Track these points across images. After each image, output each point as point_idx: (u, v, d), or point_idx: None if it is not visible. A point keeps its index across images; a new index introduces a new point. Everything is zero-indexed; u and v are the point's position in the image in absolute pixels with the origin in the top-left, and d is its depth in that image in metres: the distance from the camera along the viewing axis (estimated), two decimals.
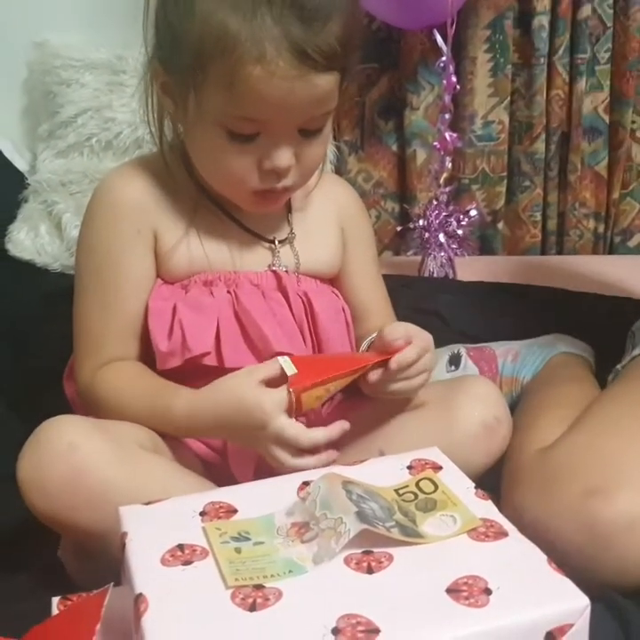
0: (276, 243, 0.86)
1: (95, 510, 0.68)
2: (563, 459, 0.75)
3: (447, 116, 1.38)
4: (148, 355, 0.82)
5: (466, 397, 0.80)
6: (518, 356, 1.07)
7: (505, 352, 1.08)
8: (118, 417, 0.78)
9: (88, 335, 0.83)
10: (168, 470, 0.75)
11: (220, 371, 0.76)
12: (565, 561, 0.56)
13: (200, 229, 0.83)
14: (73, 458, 0.68)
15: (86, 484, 0.68)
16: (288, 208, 0.89)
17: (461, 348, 1.11)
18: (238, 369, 0.75)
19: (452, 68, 1.37)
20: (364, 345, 0.85)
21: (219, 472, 0.81)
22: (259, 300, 0.82)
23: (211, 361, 0.79)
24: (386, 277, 1.44)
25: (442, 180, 1.41)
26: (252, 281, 0.84)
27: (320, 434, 0.72)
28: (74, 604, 0.63)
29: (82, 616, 0.57)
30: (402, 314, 1.30)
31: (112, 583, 0.58)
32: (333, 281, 0.92)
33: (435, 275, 1.43)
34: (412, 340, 0.77)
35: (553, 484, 0.72)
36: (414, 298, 1.32)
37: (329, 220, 0.91)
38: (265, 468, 0.80)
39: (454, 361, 1.10)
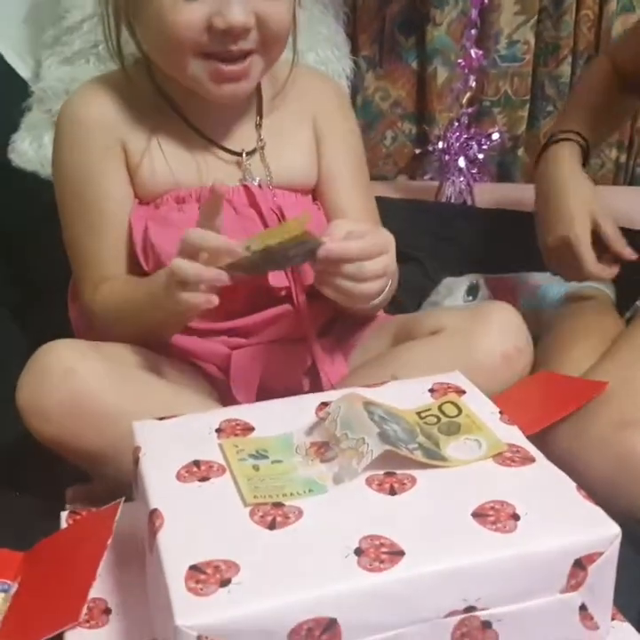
0: (244, 155, 0.82)
1: (98, 434, 0.67)
2: None
3: (473, 31, 1.31)
4: (140, 269, 0.80)
5: (486, 325, 0.76)
6: (539, 289, 1.04)
7: (525, 284, 1.06)
8: (121, 327, 0.76)
9: (83, 257, 0.81)
10: (169, 391, 0.73)
11: None
12: (593, 491, 0.54)
13: (162, 141, 0.80)
14: (71, 383, 0.67)
15: (87, 408, 0.67)
16: (258, 114, 0.83)
17: (480, 279, 1.08)
18: None
19: None
20: None
21: (224, 391, 0.79)
22: (230, 217, 0.79)
23: None
24: (401, 202, 1.39)
25: (464, 101, 1.36)
26: None
27: (204, 268, 0.67)
28: (83, 518, 0.62)
29: (92, 530, 0.56)
30: (418, 240, 1.25)
31: (123, 497, 0.56)
32: (315, 193, 0.87)
33: (452, 200, 1.39)
34: (363, 237, 0.68)
35: (585, 415, 0.72)
36: (431, 224, 1.28)
37: (302, 121, 0.85)
38: (268, 391, 0.78)
39: (472, 291, 1.08)
